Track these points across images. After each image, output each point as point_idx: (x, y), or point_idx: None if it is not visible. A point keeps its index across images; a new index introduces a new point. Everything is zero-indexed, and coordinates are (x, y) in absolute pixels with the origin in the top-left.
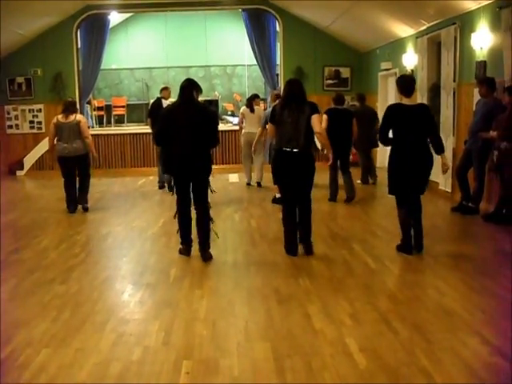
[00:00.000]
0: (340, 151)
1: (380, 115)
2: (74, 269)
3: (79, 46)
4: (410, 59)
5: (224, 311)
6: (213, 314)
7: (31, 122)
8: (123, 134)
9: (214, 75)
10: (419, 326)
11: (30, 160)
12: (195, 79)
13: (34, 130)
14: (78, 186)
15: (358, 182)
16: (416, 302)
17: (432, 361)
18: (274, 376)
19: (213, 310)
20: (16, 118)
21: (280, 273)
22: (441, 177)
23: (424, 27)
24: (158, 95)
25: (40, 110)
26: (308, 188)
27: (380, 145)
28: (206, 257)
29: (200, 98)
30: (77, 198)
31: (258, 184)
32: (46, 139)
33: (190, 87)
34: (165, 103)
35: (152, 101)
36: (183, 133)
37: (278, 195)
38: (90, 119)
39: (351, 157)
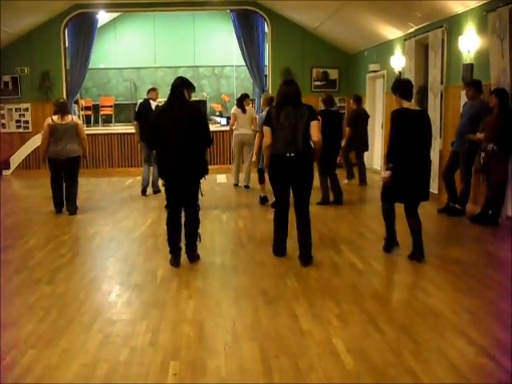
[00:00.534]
0: (329, 154)
1: (370, 117)
2: (61, 269)
3: (67, 45)
4: (398, 61)
5: (211, 312)
6: (200, 315)
7: (18, 121)
8: (111, 134)
9: (203, 76)
10: (406, 326)
11: (16, 159)
12: None
13: (21, 130)
14: (65, 192)
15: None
16: (403, 303)
17: (419, 361)
18: (261, 376)
19: (200, 311)
20: (2, 117)
21: (267, 273)
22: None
23: (412, 30)
24: (145, 96)
25: (27, 110)
26: (307, 195)
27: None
28: (194, 257)
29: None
30: (63, 200)
31: (246, 187)
32: (33, 138)
33: (181, 86)
34: (153, 104)
35: (139, 102)
36: (174, 135)
37: (263, 195)
38: None
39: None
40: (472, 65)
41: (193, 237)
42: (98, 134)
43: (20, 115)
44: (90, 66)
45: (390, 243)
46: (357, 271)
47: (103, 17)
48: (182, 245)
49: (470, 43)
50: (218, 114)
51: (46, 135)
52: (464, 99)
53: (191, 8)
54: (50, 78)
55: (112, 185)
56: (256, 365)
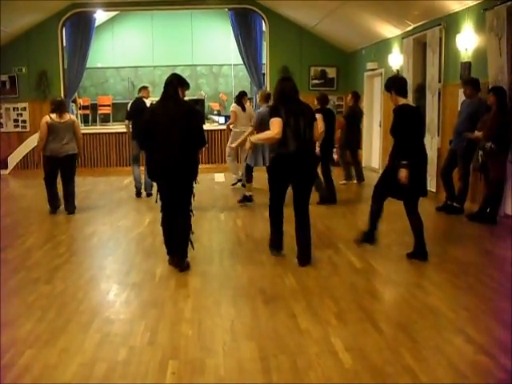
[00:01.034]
0: (323, 152)
1: (364, 116)
2: (59, 268)
3: (64, 44)
4: (396, 60)
5: (210, 311)
6: (198, 314)
7: (16, 120)
8: (109, 133)
9: (200, 74)
10: (404, 325)
11: (14, 159)
12: None
13: (19, 129)
14: (64, 191)
15: (355, 181)
16: (401, 302)
17: (417, 360)
18: (259, 375)
19: (198, 310)
20: (0, 116)
21: (266, 272)
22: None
23: (410, 28)
24: (137, 95)
25: (25, 109)
26: (309, 193)
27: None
28: (183, 267)
29: (185, 98)
30: (59, 199)
31: (243, 185)
32: (31, 138)
33: (174, 83)
34: (147, 103)
35: (132, 101)
36: (168, 135)
37: (248, 194)
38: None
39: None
40: (470, 63)
41: (184, 242)
42: (96, 133)
43: (18, 114)
44: (87, 65)
45: (366, 238)
46: (355, 270)
47: (101, 16)
48: None
49: (468, 41)
50: (215, 112)
51: (43, 133)
52: (462, 97)
53: (189, 7)
54: (47, 77)
55: (110, 184)
56: (254, 364)
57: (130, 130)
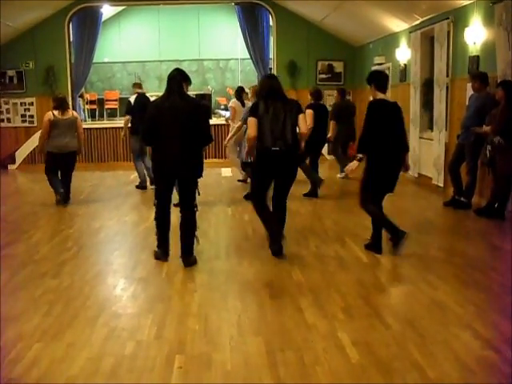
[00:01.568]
0: (315, 146)
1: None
2: (66, 263)
3: (71, 39)
4: (403, 54)
5: (216, 305)
6: (205, 309)
7: (23, 115)
8: (116, 128)
9: (207, 69)
10: (411, 320)
11: (21, 154)
12: (188, 73)
13: (26, 124)
14: (63, 182)
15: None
16: (408, 296)
17: (424, 354)
18: (266, 370)
19: (205, 305)
20: (7, 111)
21: (273, 267)
22: (433, 171)
23: (417, 22)
24: (139, 90)
25: (32, 104)
26: (289, 187)
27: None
28: (190, 262)
29: (193, 92)
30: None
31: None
32: (38, 133)
33: (179, 78)
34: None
35: (134, 96)
36: (172, 130)
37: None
38: (82, 113)
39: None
40: (478, 57)
41: (189, 239)
42: (103, 128)
43: (25, 109)
44: (94, 60)
45: (373, 247)
46: (362, 264)
47: (107, 11)
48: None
49: (476, 35)
50: (222, 107)
51: (46, 129)
52: (470, 92)
53: (196, 1)
54: (54, 72)
55: (117, 179)
56: (261, 358)
57: (129, 125)
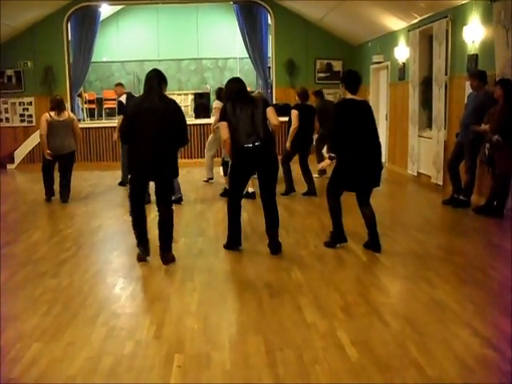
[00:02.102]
0: (302, 146)
1: (375, 108)
2: (65, 262)
3: (70, 38)
4: (402, 52)
5: (216, 304)
6: (204, 308)
7: (22, 115)
8: (114, 127)
9: (206, 68)
10: (411, 318)
11: (20, 153)
12: (187, 72)
13: (25, 124)
14: (60, 182)
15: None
16: (407, 295)
17: (423, 353)
18: (265, 369)
19: (204, 304)
20: (6, 111)
21: (272, 266)
22: (432, 170)
23: (416, 20)
24: (125, 90)
25: (30, 103)
26: (274, 181)
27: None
28: (168, 259)
29: (191, 91)
30: (53, 189)
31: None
32: (37, 132)
33: (157, 78)
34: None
35: (124, 96)
36: (150, 130)
37: (250, 190)
38: (80, 112)
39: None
40: (477, 55)
41: (167, 236)
42: (102, 128)
43: (24, 109)
44: (93, 60)
45: (338, 239)
46: (361, 263)
47: (105, 10)
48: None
49: (475, 33)
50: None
51: (43, 129)
52: (468, 90)
53: (194, 0)
54: (53, 71)
55: (116, 178)
56: (260, 357)
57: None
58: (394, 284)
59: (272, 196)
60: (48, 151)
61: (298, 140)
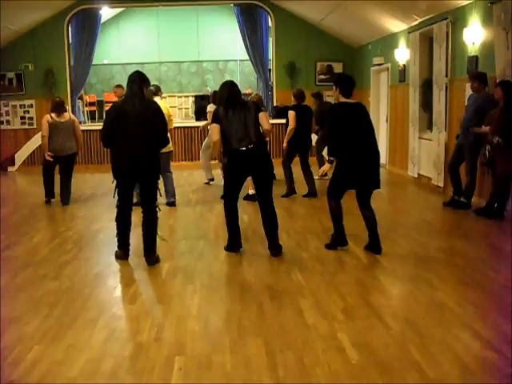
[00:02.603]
0: (302, 148)
1: (371, 111)
2: (66, 265)
3: (70, 41)
4: (402, 54)
5: (216, 307)
6: (205, 310)
7: (22, 117)
8: None
9: (207, 70)
10: (411, 320)
11: (21, 156)
12: (188, 74)
13: (26, 126)
14: (61, 184)
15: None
16: (408, 297)
17: (424, 355)
18: (266, 371)
19: (205, 306)
20: (7, 113)
21: (272, 268)
22: (433, 172)
23: (416, 22)
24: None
25: (31, 106)
26: (270, 183)
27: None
28: (152, 260)
29: (192, 94)
30: (54, 191)
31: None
32: (38, 135)
33: (139, 80)
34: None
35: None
36: (133, 133)
37: (251, 192)
38: (81, 115)
39: None
40: (477, 57)
41: (151, 237)
42: None
43: (24, 112)
44: (93, 62)
45: (338, 241)
46: (362, 265)
47: (106, 12)
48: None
49: (475, 35)
50: None
51: (45, 131)
52: (469, 92)
53: (194, 3)
54: (53, 74)
55: None
56: (261, 360)
57: None
58: (394, 286)
59: (269, 197)
60: (48, 153)
61: (297, 140)
